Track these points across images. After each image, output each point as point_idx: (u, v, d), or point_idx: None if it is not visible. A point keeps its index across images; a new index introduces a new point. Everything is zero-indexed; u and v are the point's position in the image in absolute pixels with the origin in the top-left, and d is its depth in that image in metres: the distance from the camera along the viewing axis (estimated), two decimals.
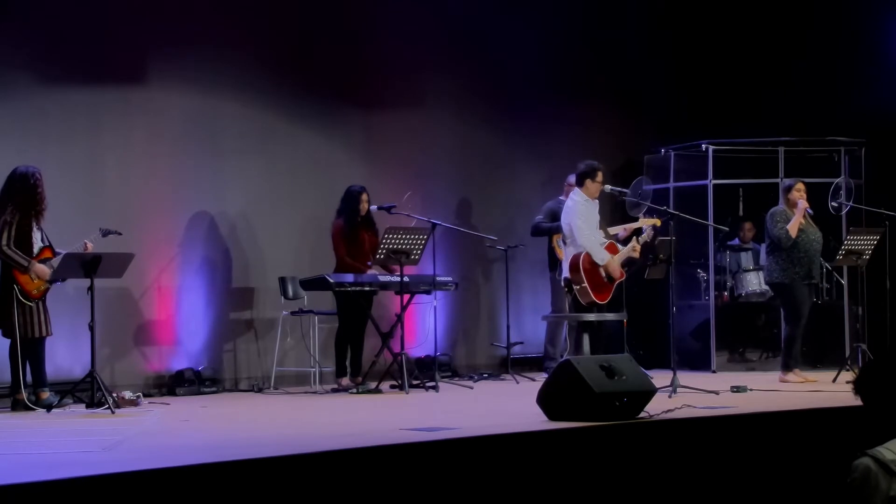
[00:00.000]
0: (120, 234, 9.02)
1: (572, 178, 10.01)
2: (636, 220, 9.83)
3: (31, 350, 8.52)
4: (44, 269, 8.47)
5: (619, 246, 9.55)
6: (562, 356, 10.10)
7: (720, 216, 11.69)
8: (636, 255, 9.58)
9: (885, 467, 3.34)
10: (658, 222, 9.67)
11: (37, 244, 8.53)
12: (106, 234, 8.91)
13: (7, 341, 8.50)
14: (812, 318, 10.28)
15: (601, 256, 9.35)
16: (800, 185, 10.14)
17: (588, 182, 9.56)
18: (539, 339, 11.44)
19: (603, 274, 9.39)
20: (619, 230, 9.84)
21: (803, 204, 9.97)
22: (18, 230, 8.46)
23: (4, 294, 8.46)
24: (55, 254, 8.61)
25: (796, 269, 9.98)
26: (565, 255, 9.56)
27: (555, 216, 10.76)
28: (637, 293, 11.22)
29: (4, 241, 8.42)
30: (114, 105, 9.88)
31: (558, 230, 10.51)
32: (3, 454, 6.18)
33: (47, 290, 8.57)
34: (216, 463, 5.38)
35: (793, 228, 9.93)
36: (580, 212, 9.44)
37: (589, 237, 9.40)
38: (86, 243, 8.69)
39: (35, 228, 8.55)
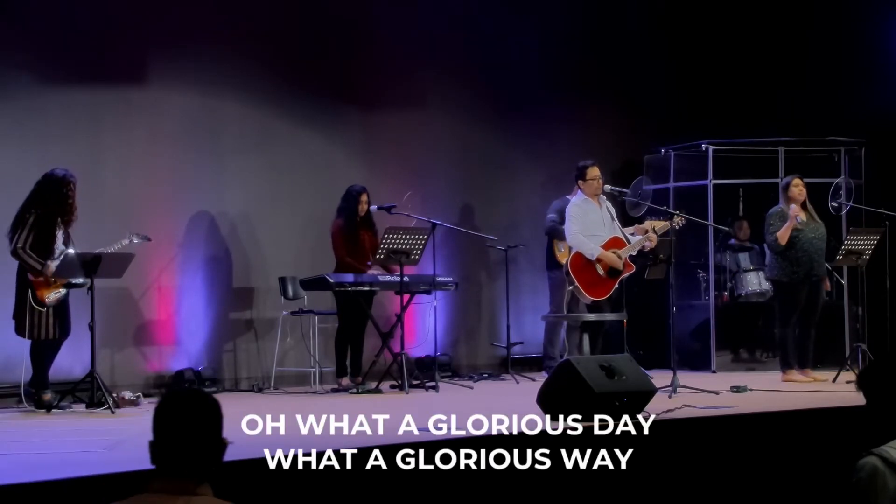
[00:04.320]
0: (149, 239, 9.13)
1: None
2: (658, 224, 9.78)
3: (35, 351, 8.48)
4: (51, 269, 8.40)
5: (630, 239, 9.51)
6: (561, 356, 10.09)
7: (720, 216, 11.68)
8: (653, 244, 9.56)
9: (893, 466, 3.33)
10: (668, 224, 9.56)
11: (58, 249, 8.43)
12: (140, 239, 8.96)
13: (19, 342, 8.48)
14: (815, 315, 10.25)
15: (590, 252, 9.32)
16: (797, 181, 10.10)
17: (580, 182, 9.64)
18: (539, 338, 11.43)
19: (600, 271, 9.37)
20: (632, 230, 9.84)
21: (794, 210, 9.93)
22: (39, 233, 8.35)
23: (20, 295, 8.42)
24: None
25: (796, 268, 9.99)
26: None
27: (563, 215, 10.75)
28: (637, 293, 11.22)
29: (21, 243, 8.32)
30: (114, 105, 9.87)
31: None
32: (3, 454, 6.18)
33: (63, 297, 8.49)
34: None
35: (783, 237, 9.92)
36: (573, 213, 9.56)
37: (576, 235, 9.42)
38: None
39: (59, 234, 8.45)
